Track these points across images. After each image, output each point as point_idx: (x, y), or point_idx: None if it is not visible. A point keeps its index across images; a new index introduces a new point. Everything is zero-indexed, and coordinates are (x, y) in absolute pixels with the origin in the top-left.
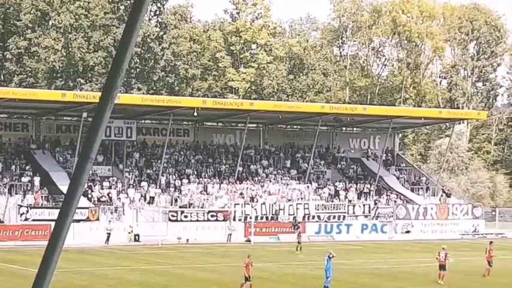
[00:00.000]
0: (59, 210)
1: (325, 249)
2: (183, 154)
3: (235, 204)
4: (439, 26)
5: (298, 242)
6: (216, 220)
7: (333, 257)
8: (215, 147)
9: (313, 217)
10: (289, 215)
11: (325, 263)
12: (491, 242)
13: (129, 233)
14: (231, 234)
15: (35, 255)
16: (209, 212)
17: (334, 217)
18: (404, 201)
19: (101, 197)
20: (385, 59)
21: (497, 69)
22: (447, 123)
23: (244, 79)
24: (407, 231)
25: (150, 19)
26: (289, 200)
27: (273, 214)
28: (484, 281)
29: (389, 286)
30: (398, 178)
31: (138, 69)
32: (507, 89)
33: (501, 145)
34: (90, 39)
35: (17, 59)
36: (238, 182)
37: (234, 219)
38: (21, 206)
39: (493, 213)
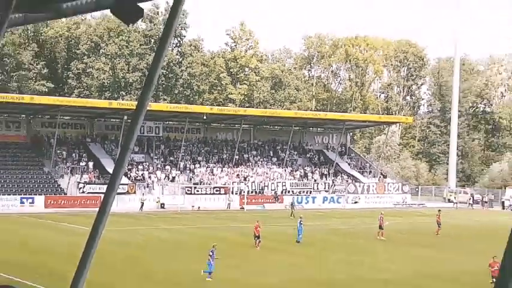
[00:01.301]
0: (106, 185)
1: (298, 215)
2: (196, 146)
3: (232, 182)
4: (379, 55)
5: (292, 211)
6: (219, 193)
7: (302, 221)
8: (219, 142)
9: (289, 192)
10: (271, 190)
11: (297, 225)
12: (439, 210)
13: (157, 202)
14: (230, 204)
15: (89, 218)
16: (214, 187)
17: (303, 192)
18: (354, 181)
19: (137, 176)
20: (340, 78)
21: (421, 87)
22: (384, 125)
23: (239, 93)
24: (356, 202)
25: (172, 49)
26: (272, 179)
27: (259, 189)
28: (410, 236)
29: (348, 242)
30: (349, 164)
31: (163, 85)
32: (427, 101)
33: (422, 141)
34: (130, 63)
35: (77, 77)
36: (235, 166)
37: (232, 193)
38: (79, 182)
39: (417, 189)
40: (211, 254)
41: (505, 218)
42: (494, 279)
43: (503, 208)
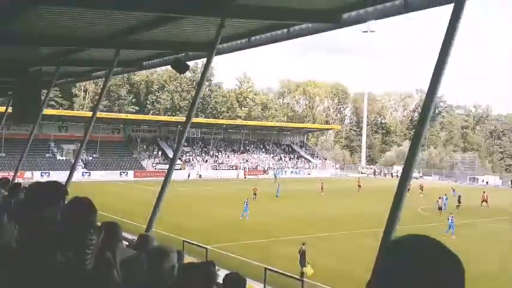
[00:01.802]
0: (168, 165)
1: (277, 181)
2: (219, 142)
3: (239, 163)
4: (322, 90)
5: (275, 179)
6: (232, 169)
7: (279, 184)
8: (232, 140)
9: (271, 168)
10: (261, 167)
11: (276, 187)
12: (359, 179)
13: (197, 174)
14: (238, 175)
15: (158, 183)
16: (229, 165)
17: (280, 168)
18: (308, 162)
19: (185, 159)
20: (301, 104)
21: (345, 108)
22: (325, 130)
23: (243, 112)
24: (309, 174)
25: (205, 88)
26: (261, 161)
27: (255, 167)
28: (339, 192)
29: (304, 196)
30: (305, 152)
31: (200, 108)
32: (349, 117)
33: (346, 139)
34: (181, 95)
35: (151, 104)
36: (241, 154)
37: (239, 169)
38: (153, 163)
39: (343, 166)
40: (245, 202)
41: (393, 182)
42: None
43: (392, 177)
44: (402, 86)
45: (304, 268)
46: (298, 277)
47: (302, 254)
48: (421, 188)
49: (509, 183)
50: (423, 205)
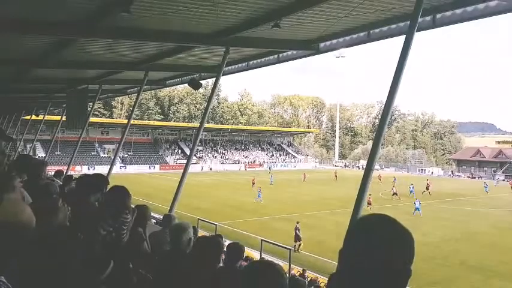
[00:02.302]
0: (186, 160)
1: (271, 172)
2: (225, 143)
3: (241, 158)
4: (305, 103)
5: (269, 171)
6: (236, 163)
7: (272, 175)
8: (235, 140)
9: (266, 162)
10: (259, 162)
11: (270, 177)
12: (336, 171)
13: (209, 168)
14: (240, 168)
15: (179, 175)
16: (233, 160)
17: (272, 162)
18: (294, 157)
19: (199, 155)
20: (288, 113)
21: (323, 116)
22: (306, 133)
23: (244, 119)
24: (295, 166)
25: (214, 100)
26: (258, 157)
27: (253, 161)
28: (318, 180)
29: (293, 184)
30: (292, 150)
31: (211, 116)
32: (325, 122)
33: (323, 140)
34: (196, 107)
35: (173, 113)
36: (242, 151)
37: (241, 163)
38: (175, 159)
39: (321, 161)
40: (259, 190)
41: (360, 173)
42: (369, 206)
43: (359, 169)
44: (366, 98)
45: (298, 242)
46: (292, 248)
47: (297, 231)
48: (380, 177)
49: (449, 173)
50: (382, 191)
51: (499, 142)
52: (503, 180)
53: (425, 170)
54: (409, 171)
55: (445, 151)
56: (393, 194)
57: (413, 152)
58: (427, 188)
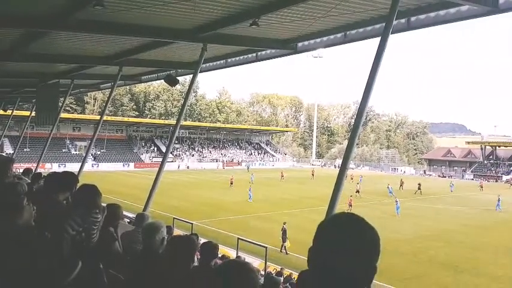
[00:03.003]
0: (162, 158)
1: (251, 171)
2: (203, 141)
3: (219, 156)
4: (283, 101)
5: (248, 169)
6: (214, 161)
7: (252, 174)
8: (213, 139)
9: (244, 161)
10: (237, 161)
11: (250, 176)
12: (313, 170)
13: (186, 166)
14: (218, 166)
15: (154, 173)
16: (211, 158)
17: (251, 161)
18: (272, 156)
19: (176, 153)
20: (267, 111)
21: (300, 115)
22: (285, 132)
23: (222, 117)
24: (273, 165)
25: (192, 97)
26: (236, 156)
27: (231, 160)
28: (295, 179)
29: (266, 182)
30: (270, 149)
31: (188, 113)
32: (303, 122)
33: (301, 139)
34: (173, 103)
35: (148, 110)
36: (220, 149)
37: (219, 161)
38: (150, 157)
39: (299, 160)
40: (250, 189)
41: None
42: (350, 208)
43: (335, 168)
44: (343, 98)
45: (285, 243)
46: (279, 249)
47: (284, 231)
48: (352, 177)
49: (421, 172)
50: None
51: (468, 142)
52: (472, 179)
53: (397, 169)
54: (382, 170)
55: (417, 151)
56: (356, 191)
57: (386, 151)
58: (419, 188)
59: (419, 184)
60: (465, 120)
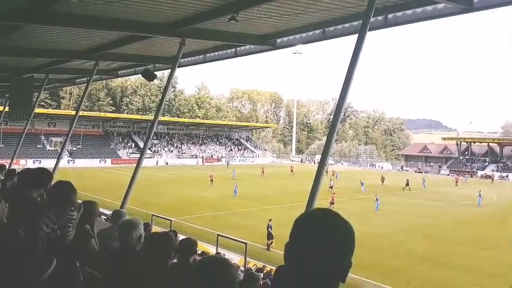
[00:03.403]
0: (140, 154)
1: (231, 167)
2: (182, 136)
3: (199, 152)
4: (263, 97)
5: (227, 165)
6: (193, 158)
7: (234, 170)
8: (192, 134)
9: (224, 157)
10: (216, 156)
11: (232, 172)
12: (292, 166)
13: (165, 162)
14: (198, 162)
15: (132, 169)
16: (190, 155)
17: (230, 157)
18: (252, 152)
19: (154, 149)
20: (247, 107)
21: (280, 112)
22: (265, 128)
23: (201, 113)
24: (253, 161)
25: (170, 92)
26: (216, 151)
27: (211, 156)
28: (275, 175)
29: (251, 179)
30: (250, 145)
31: (167, 109)
32: (283, 118)
33: (281, 135)
34: (151, 98)
35: (126, 105)
36: (200, 145)
37: (198, 157)
38: (128, 153)
39: (279, 155)
40: (235, 186)
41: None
42: (332, 205)
43: (314, 163)
44: (322, 95)
45: (271, 240)
46: (265, 247)
47: (270, 228)
48: (327, 171)
49: (398, 168)
50: (336, 185)
51: (444, 138)
52: (448, 174)
53: (375, 165)
54: (361, 165)
55: (394, 147)
56: (330, 187)
57: (365, 147)
58: (407, 184)
59: (407, 180)
60: (441, 116)
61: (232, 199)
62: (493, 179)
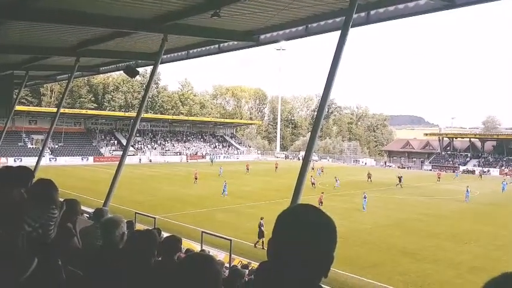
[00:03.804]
0: (122, 151)
1: (218, 164)
2: (165, 133)
3: (183, 149)
4: (247, 94)
5: (211, 163)
6: (177, 155)
7: (220, 166)
8: (176, 131)
9: (208, 154)
10: (200, 153)
11: (219, 169)
12: (276, 162)
13: (148, 159)
14: (182, 159)
15: (114, 167)
16: (174, 152)
17: (214, 154)
18: (237, 149)
19: (137, 147)
20: (231, 104)
21: (264, 108)
22: (249, 124)
23: (185, 110)
24: (238, 158)
25: (153, 89)
26: (200, 148)
27: (195, 153)
28: (260, 171)
29: (233, 175)
30: (235, 142)
31: (149, 105)
32: (267, 114)
33: (266, 132)
34: (133, 95)
35: (108, 102)
36: (184, 142)
37: (182, 154)
38: (110, 150)
39: (260, 152)
40: (224, 184)
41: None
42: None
43: (299, 160)
44: (305, 91)
45: (262, 239)
46: (251, 243)
47: (261, 227)
48: (322, 169)
49: (382, 163)
50: (320, 181)
51: (426, 134)
52: (430, 170)
53: (359, 161)
54: (344, 162)
55: (378, 143)
56: (312, 184)
57: (348, 143)
58: (400, 181)
59: (400, 177)
60: (423, 112)
61: (220, 197)
62: (481, 175)
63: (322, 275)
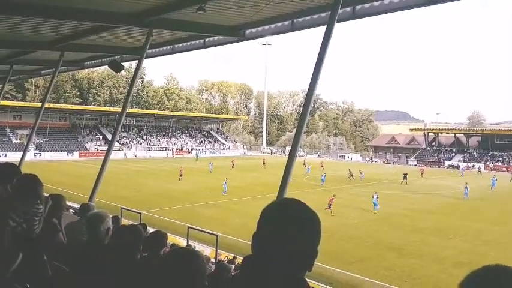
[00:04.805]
0: (107, 147)
1: (207, 159)
2: (151, 129)
3: (168, 145)
4: (233, 89)
5: (196, 158)
6: (163, 150)
7: (211, 163)
8: (162, 126)
9: (194, 149)
10: (186, 148)
11: (209, 165)
12: (264, 158)
13: (134, 155)
14: (167, 154)
15: (99, 162)
16: (160, 147)
17: (200, 149)
18: (223, 144)
19: (123, 142)
20: (217, 99)
21: (250, 103)
22: (235, 120)
23: (170, 105)
24: (224, 153)
25: (138, 84)
26: (186, 144)
27: (181, 148)
28: (246, 167)
29: (219, 170)
30: (221, 137)
31: (135, 100)
32: (253, 110)
33: (252, 127)
34: (118, 90)
35: (93, 97)
36: (170, 137)
37: (168, 150)
38: (96, 146)
39: (249, 147)
40: (225, 182)
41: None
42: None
43: (285, 155)
44: (291, 86)
45: None
46: (237, 239)
47: None
48: (304, 163)
49: (367, 159)
50: (307, 176)
51: (412, 130)
52: (416, 165)
53: (345, 156)
54: (330, 157)
55: (363, 138)
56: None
57: (334, 139)
58: (405, 178)
59: (405, 174)
60: (408, 108)
61: (207, 192)
62: (480, 170)
63: (307, 268)
